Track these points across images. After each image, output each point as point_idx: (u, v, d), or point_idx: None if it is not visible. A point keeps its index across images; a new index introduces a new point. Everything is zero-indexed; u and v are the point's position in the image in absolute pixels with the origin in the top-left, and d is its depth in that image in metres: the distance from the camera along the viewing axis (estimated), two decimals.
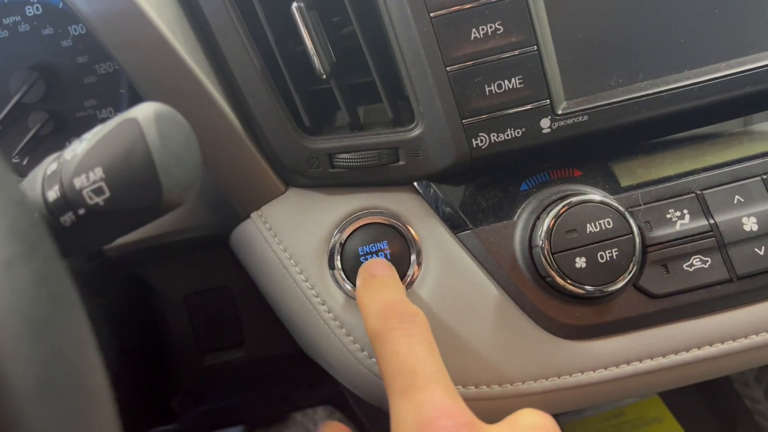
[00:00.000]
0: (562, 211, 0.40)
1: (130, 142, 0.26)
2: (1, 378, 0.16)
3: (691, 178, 0.43)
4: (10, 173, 0.20)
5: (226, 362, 0.57)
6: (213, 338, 0.56)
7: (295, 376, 0.64)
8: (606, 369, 0.41)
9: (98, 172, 0.26)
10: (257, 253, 0.46)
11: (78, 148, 0.27)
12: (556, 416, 0.83)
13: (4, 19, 0.55)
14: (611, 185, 0.43)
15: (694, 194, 0.42)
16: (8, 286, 0.16)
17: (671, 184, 0.43)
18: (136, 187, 0.26)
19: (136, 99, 0.55)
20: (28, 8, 0.55)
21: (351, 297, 0.43)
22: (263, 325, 0.57)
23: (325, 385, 0.74)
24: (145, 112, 0.27)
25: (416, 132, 0.42)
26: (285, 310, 0.46)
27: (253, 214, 0.46)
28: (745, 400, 0.86)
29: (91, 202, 0.27)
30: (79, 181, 0.27)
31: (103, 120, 0.56)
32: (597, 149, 0.44)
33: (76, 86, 0.56)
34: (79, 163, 0.27)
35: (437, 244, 0.43)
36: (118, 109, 0.56)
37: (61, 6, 0.55)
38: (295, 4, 0.41)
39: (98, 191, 0.27)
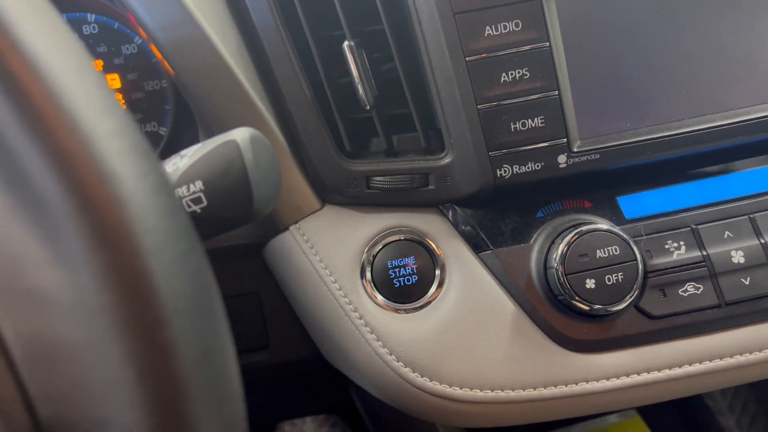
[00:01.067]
0: (574, 238, 0.45)
1: (230, 159, 0.31)
2: (174, 347, 0.20)
3: (687, 214, 0.48)
4: (171, 182, 0.24)
5: (247, 364, 0.61)
6: (238, 341, 0.60)
7: (308, 381, 0.68)
8: (608, 380, 0.46)
9: (198, 185, 0.31)
10: (294, 262, 0.51)
11: (179, 163, 0.32)
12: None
13: None
14: (617, 217, 0.48)
15: (689, 228, 0.48)
16: (183, 272, 0.21)
17: (670, 218, 0.48)
18: (231, 198, 0.31)
19: (179, 115, 0.59)
20: (86, 27, 0.59)
21: (379, 306, 0.48)
22: (286, 330, 0.61)
23: (333, 392, 0.78)
24: (242, 135, 0.31)
25: (446, 160, 0.47)
26: (317, 317, 0.50)
27: (292, 227, 0.50)
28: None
29: (188, 210, 0.31)
30: (180, 191, 0.31)
31: (148, 134, 0.61)
32: (606, 184, 0.49)
33: (124, 102, 0.60)
34: (181, 175, 0.31)
35: (460, 261, 0.48)
36: (162, 123, 0.60)
37: (116, 26, 0.59)
38: (346, 43, 0.46)
39: (197, 200, 0.31)
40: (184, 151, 0.33)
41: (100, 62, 0.59)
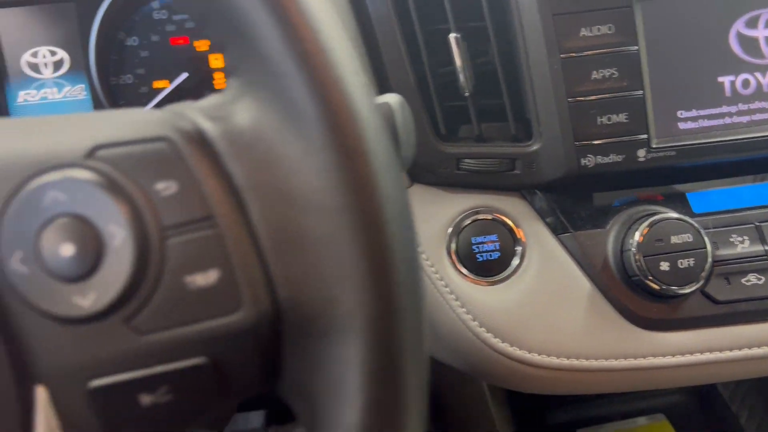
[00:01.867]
0: (651, 223, 0.49)
1: (384, 119, 0.35)
2: (393, 245, 0.24)
3: (751, 212, 0.52)
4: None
5: None
6: None
7: None
8: (674, 357, 0.50)
9: None
10: None
11: None
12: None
13: (174, 16, 0.64)
14: (686, 210, 0.53)
15: (753, 225, 0.52)
16: (398, 187, 0.25)
17: (735, 215, 0.52)
18: None
19: None
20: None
21: (463, 277, 0.52)
22: None
23: None
24: (394, 99, 0.36)
25: (534, 147, 0.52)
26: None
27: None
28: None
29: None
30: None
31: None
32: (677, 180, 0.54)
33: (226, 80, 0.65)
34: None
35: (539, 241, 0.53)
36: None
37: None
38: (452, 35, 0.51)
39: None
40: None
41: (208, 41, 0.64)
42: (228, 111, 0.26)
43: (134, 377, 0.25)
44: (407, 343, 0.25)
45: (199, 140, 0.25)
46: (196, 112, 0.26)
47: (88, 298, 0.24)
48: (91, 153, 0.24)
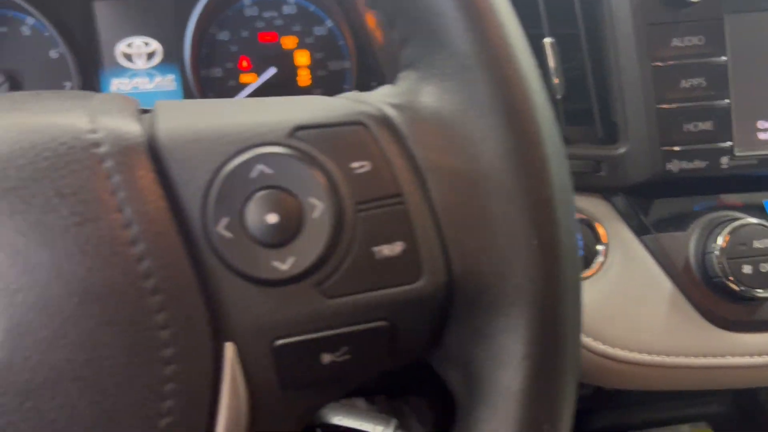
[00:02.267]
0: (734, 228, 0.51)
1: None
2: (559, 223, 0.26)
3: None
4: None
5: None
6: None
7: None
8: (751, 357, 0.52)
9: None
10: None
11: None
12: None
13: (264, 13, 0.67)
14: (763, 217, 0.55)
15: None
16: (563, 166, 0.27)
17: None
18: None
19: None
20: (285, 7, 0.67)
21: None
22: None
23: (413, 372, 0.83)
24: None
25: (620, 150, 0.54)
26: None
27: None
28: None
29: None
30: None
31: None
32: (755, 188, 0.56)
33: (311, 77, 0.68)
34: None
35: (622, 242, 0.55)
36: None
37: (312, 9, 0.67)
38: (548, 40, 0.53)
39: None
40: None
41: (296, 39, 0.67)
42: (410, 99, 0.28)
43: (319, 337, 0.27)
44: (569, 316, 0.27)
45: (388, 125, 0.27)
46: (379, 101, 0.28)
47: (287, 263, 0.26)
48: (293, 133, 0.27)
